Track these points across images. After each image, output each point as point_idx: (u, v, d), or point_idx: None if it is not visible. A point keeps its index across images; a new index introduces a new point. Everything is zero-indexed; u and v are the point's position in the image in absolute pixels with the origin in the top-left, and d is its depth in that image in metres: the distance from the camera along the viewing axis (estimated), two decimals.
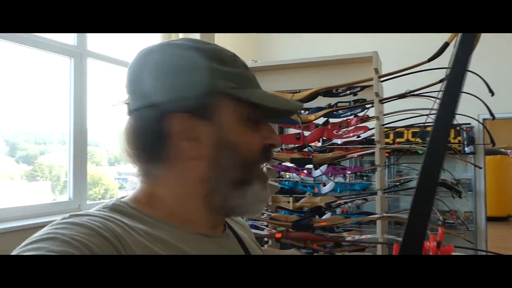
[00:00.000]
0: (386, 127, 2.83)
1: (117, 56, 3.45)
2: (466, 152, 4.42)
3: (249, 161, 0.69)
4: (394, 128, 3.70)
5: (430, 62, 2.11)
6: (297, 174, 2.81)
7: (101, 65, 3.31)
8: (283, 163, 2.52)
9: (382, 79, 2.17)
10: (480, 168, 3.67)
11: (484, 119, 4.44)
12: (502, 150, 9.39)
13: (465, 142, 4.44)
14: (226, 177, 0.67)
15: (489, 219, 4.85)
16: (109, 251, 0.55)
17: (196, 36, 3.53)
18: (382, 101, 2.16)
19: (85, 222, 0.57)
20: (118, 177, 4.38)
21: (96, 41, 3.22)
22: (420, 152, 4.49)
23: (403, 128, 4.30)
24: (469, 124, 4.49)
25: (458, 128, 4.43)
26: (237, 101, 0.66)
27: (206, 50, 0.67)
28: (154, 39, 3.68)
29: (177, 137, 0.65)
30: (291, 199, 2.24)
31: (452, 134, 4.54)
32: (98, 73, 3.29)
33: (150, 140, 0.66)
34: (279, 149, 2.64)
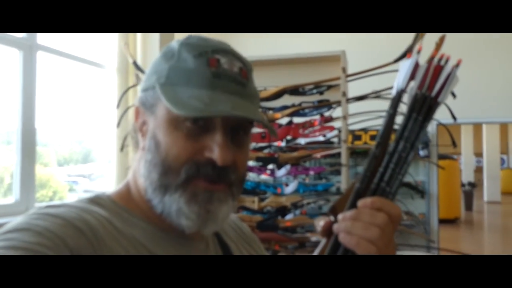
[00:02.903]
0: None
1: (68, 50, 3.27)
2: (421, 155, 4.54)
3: (168, 165, 0.62)
4: (352, 131, 3.73)
5: (396, 64, 2.12)
6: (258, 174, 2.76)
7: (51, 59, 3.12)
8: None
9: (349, 78, 2.16)
10: (443, 169, 3.78)
11: (437, 124, 4.58)
12: (449, 155, 9.81)
13: (420, 146, 4.56)
14: (148, 177, 0.64)
15: (439, 221, 5.01)
16: (82, 242, 0.55)
17: (156, 36, 3.42)
18: (349, 100, 2.14)
19: (60, 213, 0.57)
20: (68, 180, 4.19)
21: (46, 33, 3.04)
22: None
23: (361, 131, 4.36)
24: None
25: None
26: None
27: (174, 46, 0.67)
28: (111, 36, 3.53)
29: (139, 130, 0.68)
30: (256, 198, 2.18)
31: None
32: (48, 68, 3.10)
33: (133, 134, 0.71)
34: None
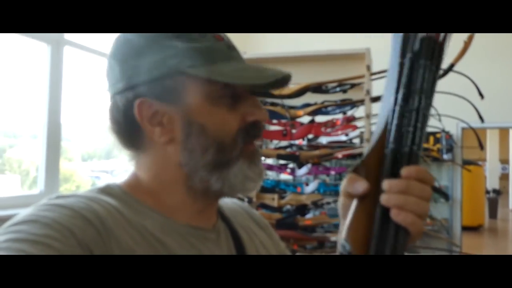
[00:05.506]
0: None
1: (95, 46, 3.32)
2: (445, 159, 4.46)
3: (223, 143, 0.64)
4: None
5: None
6: (278, 173, 2.75)
7: (78, 54, 3.18)
8: (266, 161, 2.45)
9: (373, 76, 2.14)
10: (469, 171, 3.70)
11: (463, 128, 4.49)
12: (474, 161, 9.60)
13: (444, 149, 4.48)
14: (200, 161, 0.64)
15: (462, 228, 4.88)
16: (90, 233, 0.55)
17: None
18: (372, 99, 2.12)
19: (69, 204, 0.57)
20: (91, 175, 4.25)
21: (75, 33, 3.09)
22: None
23: None
24: (448, 131, 4.54)
25: (438, 135, 4.46)
26: (201, 80, 0.62)
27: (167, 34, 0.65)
28: None
29: (147, 123, 0.64)
30: (275, 196, 2.17)
31: (431, 141, 4.57)
32: (74, 63, 3.15)
33: (124, 126, 0.66)
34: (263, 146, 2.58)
